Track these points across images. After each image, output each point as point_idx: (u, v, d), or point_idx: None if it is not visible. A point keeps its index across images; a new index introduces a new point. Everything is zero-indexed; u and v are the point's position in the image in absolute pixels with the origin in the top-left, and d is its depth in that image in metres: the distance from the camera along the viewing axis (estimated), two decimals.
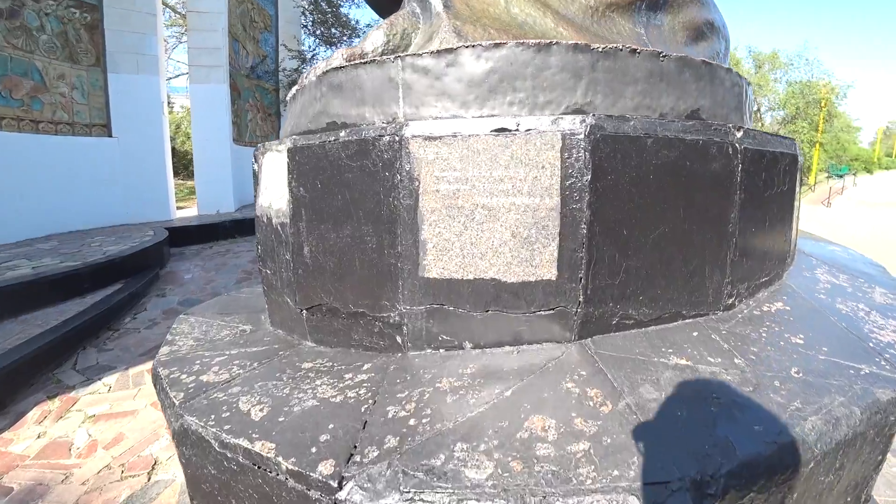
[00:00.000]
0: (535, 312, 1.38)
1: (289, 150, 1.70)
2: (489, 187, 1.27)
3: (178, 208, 9.41)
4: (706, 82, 1.72)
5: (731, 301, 1.68)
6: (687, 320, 1.59)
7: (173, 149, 15.31)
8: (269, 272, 2.02)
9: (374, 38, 1.93)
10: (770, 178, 1.73)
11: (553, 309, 1.37)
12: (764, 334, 1.56)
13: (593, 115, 1.24)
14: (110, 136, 7.29)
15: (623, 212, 1.31)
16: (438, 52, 1.54)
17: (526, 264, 1.30)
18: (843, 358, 1.39)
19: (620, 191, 1.29)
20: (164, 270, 5.65)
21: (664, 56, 1.59)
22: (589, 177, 1.24)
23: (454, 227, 1.31)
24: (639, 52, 1.55)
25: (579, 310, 1.36)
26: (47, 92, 6.52)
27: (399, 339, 1.52)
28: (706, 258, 1.53)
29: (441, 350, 1.49)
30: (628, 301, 1.43)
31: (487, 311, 1.39)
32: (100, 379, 3.13)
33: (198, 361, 1.74)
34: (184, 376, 1.59)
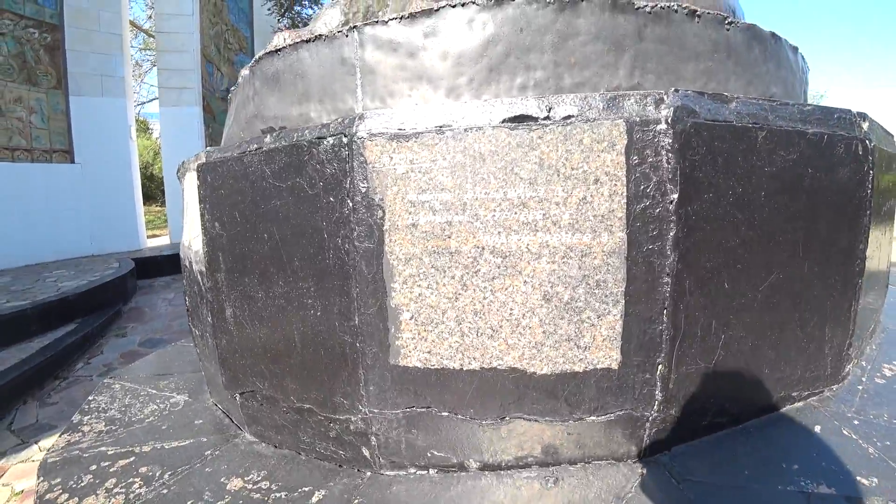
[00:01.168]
0: (582, 419, 0.83)
1: (199, 168, 1.16)
2: (504, 218, 0.73)
3: (153, 237, 8.76)
4: (775, 63, 1.24)
5: (847, 368, 1.15)
6: (798, 404, 1.06)
7: (152, 175, 14.71)
8: (197, 332, 1.46)
9: (329, 17, 1.41)
10: (889, 187, 1.23)
11: (612, 413, 0.82)
12: None
13: (676, 91, 0.73)
14: (73, 162, 6.74)
15: (725, 252, 0.79)
16: (412, 15, 1.04)
17: (568, 345, 0.76)
18: None
19: (722, 218, 0.77)
20: (128, 306, 5.03)
21: (730, 23, 1.12)
22: (676, 196, 0.71)
23: (446, 286, 0.77)
24: (699, 15, 1.07)
25: (655, 413, 0.82)
26: (2, 116, 5.99)
27: (367, 453, 0.96)
28: (828, 313, 1.00)
29: (432, 471, 0.93)
30: (726, 390, 0.90)
31: (504, 417, 0.84)
32: (36, 442, 2.53)
33: (93, 467, 1.18)
34: (62, 499, 1.04)
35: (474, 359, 0.79)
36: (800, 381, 1.02)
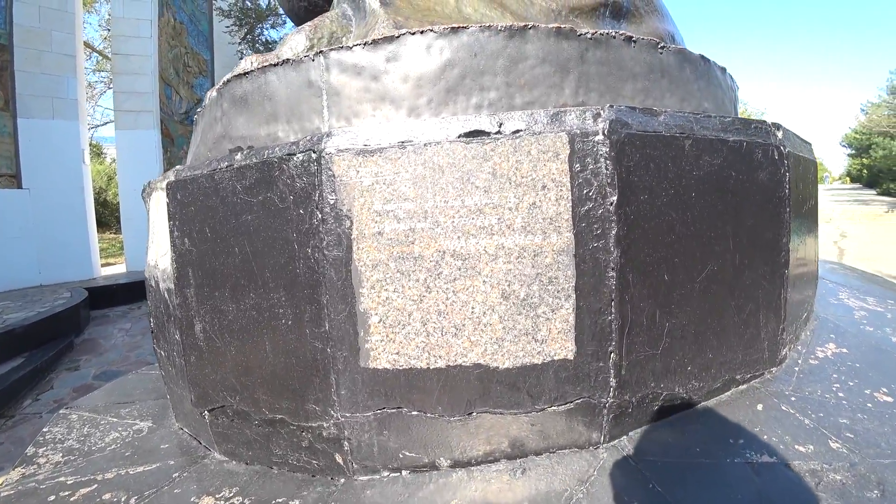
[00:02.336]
0: (544, 409, 0.89)
1: (168, 187, 1.18)
2: (462, 224, 0.80)
3: (107, 265, 8.35)
4: (705, 82, 1.38)
5: (784, 352, 1.26)
6: (741, 387, 1.15)
7: (105, 201, 14.02)
8: (163, 354, 1.44)
9: (295, 42, 1.47)
10: (806, 188, 1.38)
11: (572, 402, 0.89)
12: (842, 395, 1.15)
13: (611, 106, 0.82)
14: (20, 187, 6.41)
15: (663, 247, 0.88)
16: (375, 42, 1.11)
17: (527, 339, 0.83)
18: None
19: (657, 217, 0.86)
20: (80, 338, 4.77)
21: (662, 47, 1.24)
22: (615, 198, 0.79)
23: (411, 288, 0.82)
24: (635, 41, 1.19)
25: (611, 399, 0.89)
26: None
27: (340, 459, 0.99)
28: (760, 300, 1.11)
29: (404, 472, 0.96)
30: (674, 375, 0.98)
31: (471, 413, 0.89)
32: None
33: (52, 498, 1.13)
34: None
35: (440, 357, 0.84)
36: (742, 365, 1.12)
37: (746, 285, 1.06)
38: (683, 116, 0.93)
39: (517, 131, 0.79)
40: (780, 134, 1.14)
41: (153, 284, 1.40)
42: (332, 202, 0.83)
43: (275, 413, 1.04)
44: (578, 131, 0.79)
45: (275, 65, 1.22)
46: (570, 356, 0.85)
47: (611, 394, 0.89)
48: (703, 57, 1.39)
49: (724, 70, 1.52)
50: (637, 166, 0.82)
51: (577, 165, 0.79)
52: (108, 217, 13.50)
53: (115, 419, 1.61)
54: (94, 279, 6.75)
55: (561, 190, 0.78)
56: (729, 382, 1.11)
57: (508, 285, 0.80)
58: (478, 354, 0.84)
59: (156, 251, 1.37)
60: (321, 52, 1.15)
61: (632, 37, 1.19)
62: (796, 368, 1.27)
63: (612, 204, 0.79)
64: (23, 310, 4.79)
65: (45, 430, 1.59)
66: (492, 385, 0.86)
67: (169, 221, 1.19)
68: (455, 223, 0.79)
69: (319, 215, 0.85)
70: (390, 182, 0.82)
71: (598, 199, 0.79)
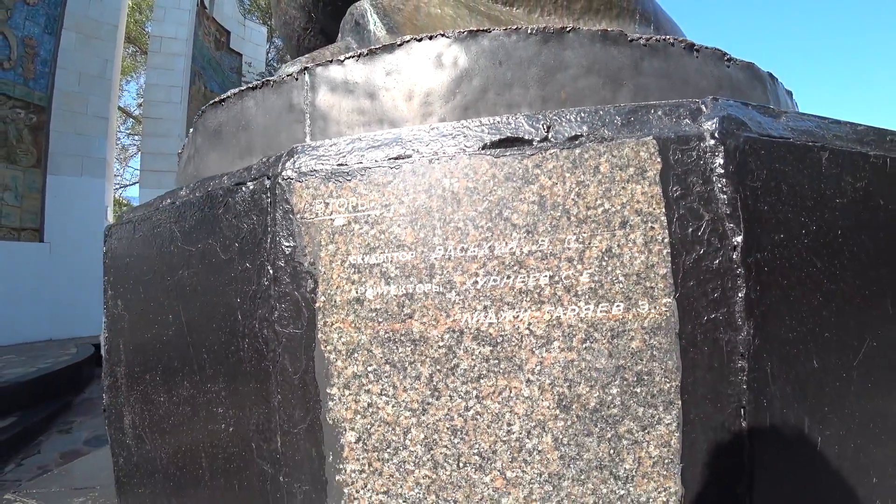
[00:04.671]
0: None
1: (106, 232, 0.92)
2: (490, 285, 0.49)
3: None
4: (775, 104, 1.13)
5: None
6: None
7: None
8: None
9: (286, 69, 1.27)
10: None
11: None
12: None
13: (714, 98, 0.53)
14: (41, 241, 6.46)
15: (810, 317, 0.55)
16: (371, 52, 0.89)
17: (601, 475, 0.49)
18: None
19: (800, 268, 0.54)
20: (80, 397, 4.51)
21: (729, 59, 1.01)
22: (740, 239, 0.48)
23: (407, 390, 0.50)
24: (698, 51, 0.96)
25: None
26: None
27: None
28: None
29: None
30: None
31: None
32: None
33: None
34: None
35: (456, 502, 0.50)
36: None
37: None
38: (809, 119, 0.64)
39: (576, 137, 0.50)
40: None
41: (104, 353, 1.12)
42: (287, 251, 0.54)
43: None
44: (673, 135, 0.49)
45: (253, 88, 1.00)
46: (674, 502, 0.50)
47: None
48: (770, 75, 1.17)
49: (790, 93, 1.30)
50: (766, 189, 0.51)
51: (676, 188, 0.48)
52: None
53: None
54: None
55: (652, 227, 0.48)
56: None
57: (569, 387, 0.47)
58: (518, 500, 0.50)
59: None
60: (306, 68, 0.93)
61: (693, 44, 0.96)
62: None
63: (736, 249, 0.48)
64: (25, 364, 4.59)
65: None
66: None
67: (104, 277, 0.92)
68: (479, 285, 0.49)
69: (271, 271, 0.55)
70: (376, 219, 0.52)
71: (713, 240, 0.48)
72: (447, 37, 0.88)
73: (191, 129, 1.25)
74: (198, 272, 0.68)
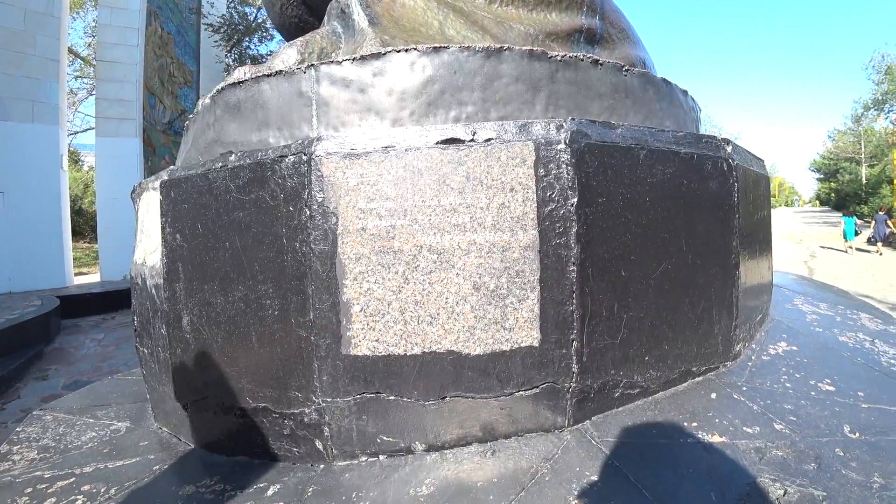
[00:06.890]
0: (512, 393, 0.96)
1: (162, 185, 1.24)
2: (438, 221, 0.88)
3: (80, 274, 8.14)
4: (667, 102, 1.51)
5: (738, 348, 1.37)
6: (697, 378, 1.25)
7: (80, 210, 13.56)
8: (146, 351, 1.48)
9: (286, 56, 1.55)
10: (756, 200, 1.51)
11: (538, 386, 0.96)
12: (789, 386, 1.26)
13: (572, 118, 0.92)
14: None
15: (620, 245, 0.97)
16: (363, 58, 1.20)
17: (496, 327, 0.91)
18: (888, 402, 1.12)
19: (614, 217, 0.96)
20: (50, 347, 4.65)
21: (626, 70, 1.37)
22: (575, 200, 0.89)
23: (390, 280, 0.89)
24: (601, 64, 1.31)
25: (574, 384, 0.97)
26: None
27: (320, 445, 1.04)
28: (713, 298, 1.22)
29: (381, 457, 1.02)
30: (632, 364, 1.07)
31: (444, 397, 0.96)
32: None
33: (29, 490, 1.15)
34: None
35: (416, 344, 0.91)
36: (697, 358, 1.22)
37: (699, 284, 1.17)
38: (639, 130, 1.04)
39: (489, 139, 0.88)
40: (729, 148, 1.26)
41: (139, 283, 1.44)
42: (319, 200, 0.91)
43: (258, 402, 1.09)
44: (543, 140, 0.89)
45: (268, 75, 1.30)
46: (536, 343, 0.93)
47: (573, 379, 0.97)
48: (665, 80, 1.52)
49: (685, 92, 1.66)
50: (595, 172, 0.92)
51: (542, 170, 0.88)
52: (82, 226, 13.09)
53: (91, 420, 1.61)
54: (67, 288, 6.57)
55: (527, 192, 0.87)
56: (685, 374, 1.21)
57: (479, 278, 0.88)
58: (451, 342, 0.91)
59: (144, 249, 1.42)
60: (312, 65, 1.24)
61: (598, 60, 1.31)
62: (749, 363, 1.38)
63: (572, 205, 0.89)
64: None
65: (18, 429, 1.59)
66: (464, 371, 0.94)
67: (161, 218, 1.24)
68: (432, 221, 0.88)
69: (308, 212, 0.92)
70: (374, 183, 0.90)
71: (560, 200, 0.89)
72: (418, 50, 1.21)
73: (206, 100, 1.52)
74: (250, 213, 1.03)
